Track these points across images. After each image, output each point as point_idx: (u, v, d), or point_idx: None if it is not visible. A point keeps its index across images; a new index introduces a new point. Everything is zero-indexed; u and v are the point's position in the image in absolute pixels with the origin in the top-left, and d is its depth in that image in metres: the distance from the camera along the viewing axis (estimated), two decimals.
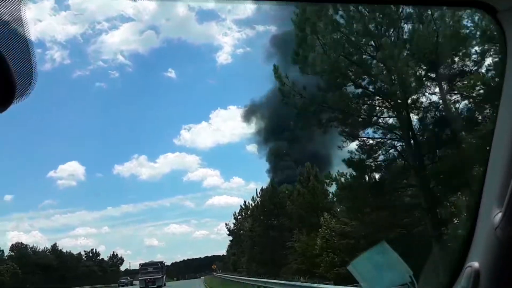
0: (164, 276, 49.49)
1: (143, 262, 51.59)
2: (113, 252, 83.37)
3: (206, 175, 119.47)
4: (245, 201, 56.79)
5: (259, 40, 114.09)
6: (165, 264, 57.68)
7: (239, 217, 55.60)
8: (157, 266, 47.77)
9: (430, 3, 1.46)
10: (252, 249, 43.35)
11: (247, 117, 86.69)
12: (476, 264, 1.44)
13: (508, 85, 1.37)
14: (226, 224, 58.84)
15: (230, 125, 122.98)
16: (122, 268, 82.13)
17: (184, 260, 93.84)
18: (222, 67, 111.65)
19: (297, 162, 73.71)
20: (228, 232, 58.98)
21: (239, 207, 56.35)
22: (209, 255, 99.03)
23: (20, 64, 0.99)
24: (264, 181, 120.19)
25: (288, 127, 76.80)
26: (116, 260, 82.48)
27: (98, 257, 76.39)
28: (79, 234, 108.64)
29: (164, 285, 47.46)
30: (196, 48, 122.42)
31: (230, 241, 62.89)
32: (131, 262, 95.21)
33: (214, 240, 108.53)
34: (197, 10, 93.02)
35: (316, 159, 74.86)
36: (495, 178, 1.42)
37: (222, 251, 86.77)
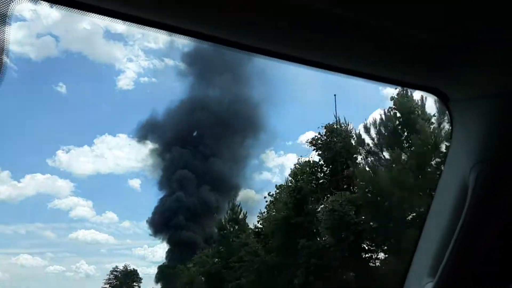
0: None
1: None
2: None
3: (77, 205, 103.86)
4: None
5: (167, 73, 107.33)
6: None
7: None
8: None
9: (386, 81, 1.40)
10: None
11: (142, 138, 78.90)
12: None
13: (448, 165, 1.56)
14: None
15: (116, 155, 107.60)
16: None
17: None
18: (121, 92, 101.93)
19: (198, 178, 69.47)
20: None
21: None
22: None
23: None
24: (140, 221, 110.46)
25: (191, 143, 72.12)
26: None
27: None
28: None
29: None
30: (97, 67, 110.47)
31: None
32: None
33: (70, 278, 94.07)
34: (105, 29, 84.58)
35: (217, 181, 71.75)
36: (428, 249, 1.55)
37: None
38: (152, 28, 1.12)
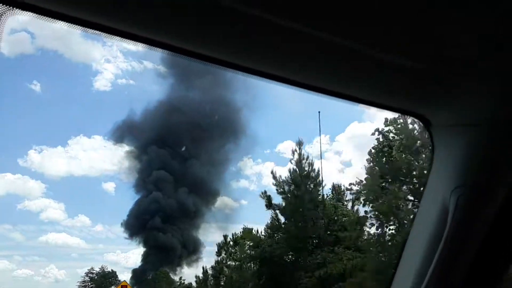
0: None
1: None
2: None
3: (48, 207, 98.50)
4: None
5: (146, 76, 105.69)
6: None
7: None
8: None
9: (368, 104, 1.44)
10: None
11: (118, 140, 76.07)
12: None
13: (429, 188, 1.59)
14: None
15: (91, 156, 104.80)
16: None
17: None
18: (98, 93, 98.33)
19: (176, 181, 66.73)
20: None
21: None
22: None
23: None
24: (114, 225, 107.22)
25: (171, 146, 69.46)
26: None
27: None
28: None
29: None
30: (73, 66, 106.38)
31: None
32: None
33: (39, 282, 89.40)
34: (82, 28, 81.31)
35: (196, 184, 69.19)
36: (408, 271, 1.55)
37: None
38: (145, 44, 1.15)
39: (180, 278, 41.08)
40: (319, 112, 27.33)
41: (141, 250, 66.26)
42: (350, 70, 1.27)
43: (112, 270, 58.83)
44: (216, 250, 31.08)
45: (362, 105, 1.46)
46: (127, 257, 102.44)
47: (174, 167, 68.36)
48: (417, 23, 1.08)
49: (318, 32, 1.08)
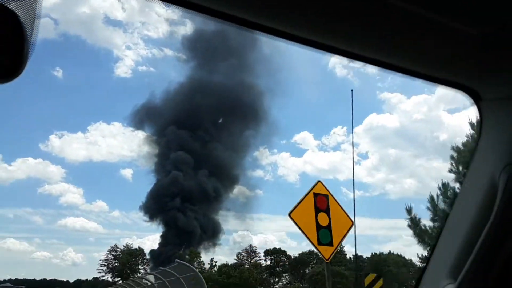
0: None
1: None
2: None
3: (67, 191, 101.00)
4: None
5: (166, 63, 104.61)
6: None
7: None
8: None
9: (413, 75, 1.33)
10: None
11: (138, 125, 78.31)
12: None
13: (476, 166, 1.48)
14: None
15: (110, 143, 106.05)
16: None
17: (11, 279, 74.82)
18: (119, 79, 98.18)
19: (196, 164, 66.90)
20: None
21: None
22: (48, 278, 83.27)
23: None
24: (131, 211, 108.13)
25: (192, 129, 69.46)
26: None
27: None
28: None
29: None
30: (95, 52, 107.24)
31: None
32: None
33: (57, 265, 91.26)
34: (104, 15, 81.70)
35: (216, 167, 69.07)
36: (449, 250, 1.49)
37: (64, 278, 76.87)
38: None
39: (211, 260, 40.49)
40: (352, 90, 26.57)
41: (156, 236, 66.92)
42: (393, 35, 1.15)
43: (139, 247, 54.63)
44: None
45: (403, 75, 1.34)
46: (143, 242, 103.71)
47: (194, 149, 68.50)
48: None
49: None
